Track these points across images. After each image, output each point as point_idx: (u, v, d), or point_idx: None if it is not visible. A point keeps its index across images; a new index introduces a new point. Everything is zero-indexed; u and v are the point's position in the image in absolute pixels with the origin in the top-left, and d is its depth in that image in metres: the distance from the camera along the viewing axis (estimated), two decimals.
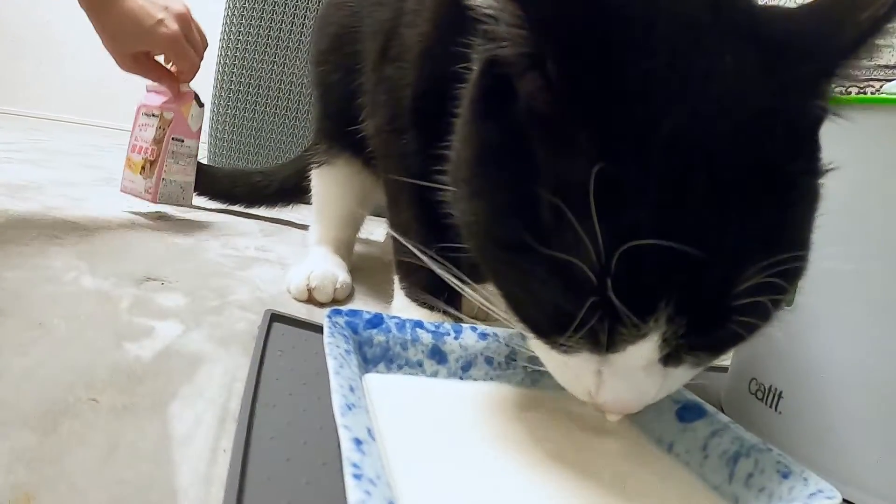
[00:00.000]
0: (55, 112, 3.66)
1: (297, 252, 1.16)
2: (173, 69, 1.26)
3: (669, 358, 0.41)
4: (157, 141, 1.25)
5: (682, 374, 0.43)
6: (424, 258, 0.54)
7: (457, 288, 0.53)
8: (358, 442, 0.35)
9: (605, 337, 0.39)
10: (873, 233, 0.55)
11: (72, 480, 0.39)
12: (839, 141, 0.50)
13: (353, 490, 0.30)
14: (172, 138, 1.25)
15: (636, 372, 0.41)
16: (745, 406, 0.67)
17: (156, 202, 1.23)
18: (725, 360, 0.81)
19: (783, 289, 0.39)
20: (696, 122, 0.36)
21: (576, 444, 0.49)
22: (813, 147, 0.43)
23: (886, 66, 1.07)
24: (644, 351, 0.39)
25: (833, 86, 0.40)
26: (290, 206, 1.39)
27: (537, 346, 0.46)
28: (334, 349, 0.47)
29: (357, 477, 0.31)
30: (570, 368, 0.44)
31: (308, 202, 1.21)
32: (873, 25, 0.38)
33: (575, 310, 0.38)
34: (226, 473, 0.42)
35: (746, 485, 0.44)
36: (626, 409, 0.43)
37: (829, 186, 0.56)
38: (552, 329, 0.41)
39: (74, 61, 3.35)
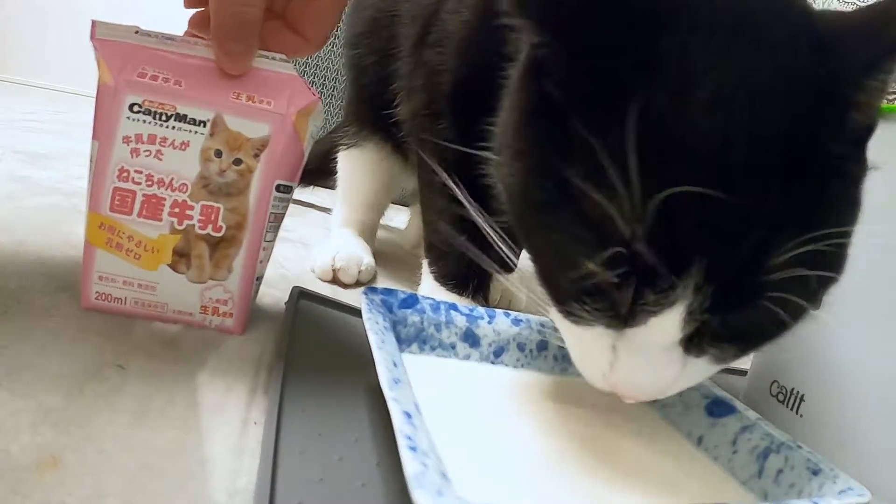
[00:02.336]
0: (78, 86, 3.67)
1: (318, 233, 1.15)
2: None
3: (692, 345, 0.39)
4: (227, 190, 0.54)
5: (702, 368, 0.42)
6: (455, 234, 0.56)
7: (486, 266, 0.54)
8: (408, 415, 0.35)
9: (626, 305, 0.38)
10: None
11: (99, 444, 0.38)
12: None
13: (410, 463, 0.30)
14: (278, 186, 0.56)
15: (655, 352, 0.39)
16: (766, 408, 0.67)
17: (242, 332, 0.59)
18: (745, 363, 0.80)
19: (822, 268, 0.37)
20: (742, 83, 0.36)
21: (604, 434, 0.49)
22: (858, 143, 0.42)
23: None
24: (666, 325, 0.37)
25: (875, 87, 0.40)
26: (311, 187, 1.37)
27: (558, 320, 0.45)
28: (374, 325, 0.47)
29: (412, 449, 0.31)
30: (585, 344, 0.43)
31: (328, 186, 1.21)
32: None
33: (598, 270, 0.37)
34: (257, 446, 0.41)
35: (776, 481, 0.44)
36: (641, 392, 0.42)
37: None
38: (573, 291, 0.40)
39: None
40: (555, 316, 0.45)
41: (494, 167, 0.49)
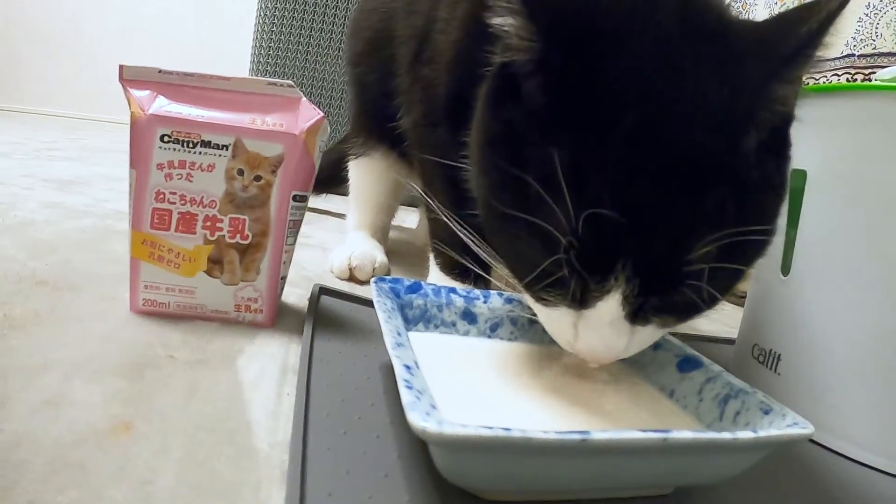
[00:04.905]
0: (90, 112, 3.74)
1: (335, 238, 1.23)
2: None
3: (636, 317, 0.48)
4: (250, 204, 0.63)
5: (650, 333, 0.51)
6: (456, 227, 0.62)
7: (477, 251, 0.60)
8: (407, 367, 0.42)
9: (578, 294, 0.47)
10: (866, 210, 0.61)
11: (161, 413, 0.46)
12: (833, 126, 0.57)
13: (405, 394, 0.38)
14: (294, 196, 0.65)
15: (605, 327, 0.48)
16: (748, 371, 0.73)
17: (272, 325, 0.68)
18: (732, 332, 0.87)
19: (738, 261, 0.46)
20: (651, 118, 0.43)
21: (586, 391, 0.55)
22: (775, 142, 0.49)
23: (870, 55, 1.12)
24: (610, 307, 0.46)
25: (782, 87, 0.47)
26: (324, 195, 1.45)
27: (530, 301, 0.53)
28: (382, 306, 0.55)
29: (409, 387, 0.39)
30: (553, 321, 0.52)
31: (341, 193, 1.28)
32: (808, 39, 0.45)
33: (549, 268, 0.46)
34: (290, 410, 0.49)
35: (734, 422, 0.49)
36: (600, 358, 0.50)
37: (826, 168, 0.63)
38: (535, 283, 0.49)
39: (106, 61, 3.43)
40: (528, 299, 0.54)
41: (470, 176, 0.57)
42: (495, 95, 0.52)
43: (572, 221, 0.43)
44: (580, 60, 0.45)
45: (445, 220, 0.63)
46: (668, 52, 0.46)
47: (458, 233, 0.61)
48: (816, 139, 0.64)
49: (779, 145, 0.50)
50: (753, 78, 0.45)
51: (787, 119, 0.50)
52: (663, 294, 0.46)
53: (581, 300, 0.47)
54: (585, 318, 0.48)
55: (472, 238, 0.59)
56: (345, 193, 1.22)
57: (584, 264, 0.45)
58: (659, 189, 0.43)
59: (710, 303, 0.49)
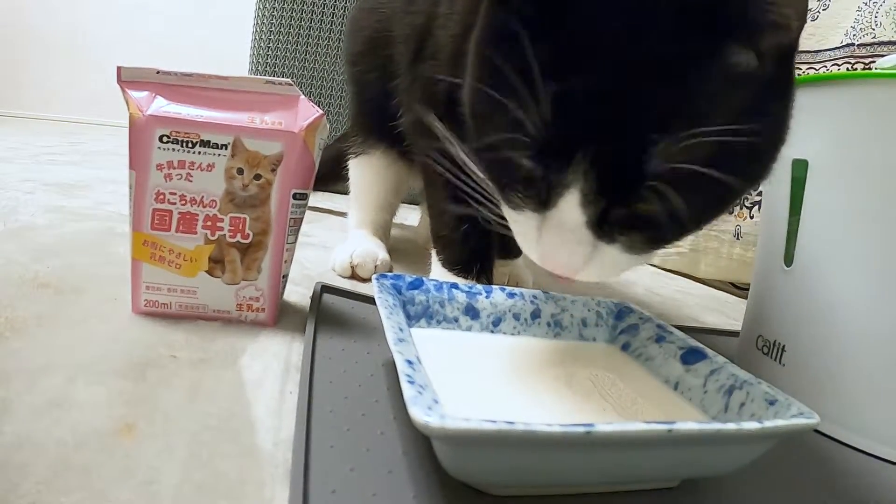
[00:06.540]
0: (90, 116, 3.74)
1: (337, 236, 1.23)
2: None
3: (602, 231, 0.49)
4: (250, 202, 0.63)
5: (616, 256, 0.51)
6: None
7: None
8: (409, 362, 0.42)
9: (543, 193, 0.49)
10: (869, 199, 0.61)
11: (164, 413, 0.46)
12: (834, 115, 0.57)
13: (407, 389, 0.37)
14: (294, 195, 0.64)
15: (567, 231, 0.49)
16: (753, 362, 0.73)
17: (274, 324, 0.67)
18: (736, 324, 0.87)
19: (717, 166, 0.45)
20: (614, 21, 0.44)
21: (589, 384, 0.55)
22: (779, 57, 0.48)
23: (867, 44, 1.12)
24: (570, 206, 0.48)
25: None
26: (327, 193, 1.44)
27: (506, 212, 0.55)
28: (384, 302, 0.55)
29: (411, 382, 0.38)
30: (521, 225, 0.53)
31: (341, 191, 1.28)
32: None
33: (519, 164, 0.49)
34: (294, 409, 0.49)
35: (739, 413, 0.49)
36: (560, 264, 0.51)
37: (828, 158, 0.63)
38: (511, 183, 0.52)
39: (105, 65, 3.39)
40: (504, 210, 0.55)
41: (463, 94, 0.58)
42: (488, 32, 0.53)
43: (537, 114, 0.45)
44: None
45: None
46: None
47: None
48: (818, 128, 0.64)
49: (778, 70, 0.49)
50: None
51: (791, 46, 0.49)
52: (625, 198, 0.47)
53: (546, 199, 0.49)
54: (548, 220, 0.50)
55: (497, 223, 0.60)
56: (342, 191, 1.23)
57: (545, 153, 0.47)
58: (618, 84, 0.44)
59: (681, 227, 0.50)
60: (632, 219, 0.48)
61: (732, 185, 0.47)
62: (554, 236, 0.50)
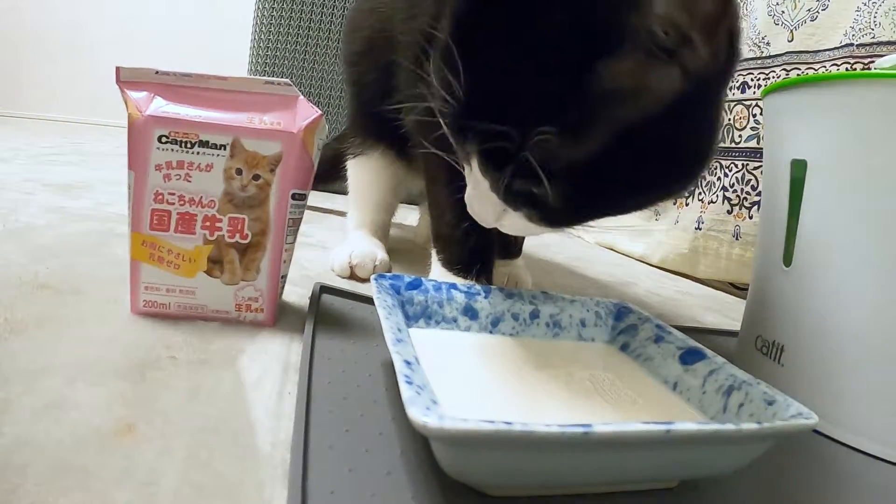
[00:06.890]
0: (90, 116, 3.75)
1: (336, 236, 1.24)
2: None
3: (508, 200, 0.56)
4: (249, 203, 0.63)
5: (520, 221, 0.58)
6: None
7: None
8: (408, 363, 0.42)
9: (461, 154, 0.58)
10: (868, 199, 0.61)
11: (164, 414, 0.46)
12: (833, 115, 0.57)
13: (405, 390, 0.37)
14: (293, 195, 0.64)
15: (481, 191, 0.57)
16: (752, 362, 0.73)
17: (273, 324, 0.67)
18: (735, 325, 0.87)
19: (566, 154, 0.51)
20: (510, 31, 0.50)
21: (587, 384, 0.55)
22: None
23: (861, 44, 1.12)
24: (475, 171, 0.56)
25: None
26: (322, 191, 1.44)
27: (466, 175, 0.60)
28: (383, 302, 0.55)
29: (409, 383, 0.38)
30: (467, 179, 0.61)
31: (339, 191, 1.28)
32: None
33: (450, 126, 0.56)
34: (292, 409, 0.49)
35: (738, 413, 0.49)
36: (475, 212, 0.60)
37: (826, 158, 0.62)
38: (447, 145, 0.60)
39: (105, 66, 3.38)
40: (466, 174, 0.61)
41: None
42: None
43: (457, 96, 0.52)
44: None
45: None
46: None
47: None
48: (817, 129, 0.64)
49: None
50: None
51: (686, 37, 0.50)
52: (504, 175, 0.53)
53: (467, 162, 0.58)
54: (469, 180, 0.59)
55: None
56: (341, 190, 1.23)
57: (451, 125, 0.55)
58: (503, 86, 0.51)
59: (570, 214, 0.57)
60: (525, 195, 0.55)
61: (627, 187, 0.56)
62: (472, 189, 0.59)
